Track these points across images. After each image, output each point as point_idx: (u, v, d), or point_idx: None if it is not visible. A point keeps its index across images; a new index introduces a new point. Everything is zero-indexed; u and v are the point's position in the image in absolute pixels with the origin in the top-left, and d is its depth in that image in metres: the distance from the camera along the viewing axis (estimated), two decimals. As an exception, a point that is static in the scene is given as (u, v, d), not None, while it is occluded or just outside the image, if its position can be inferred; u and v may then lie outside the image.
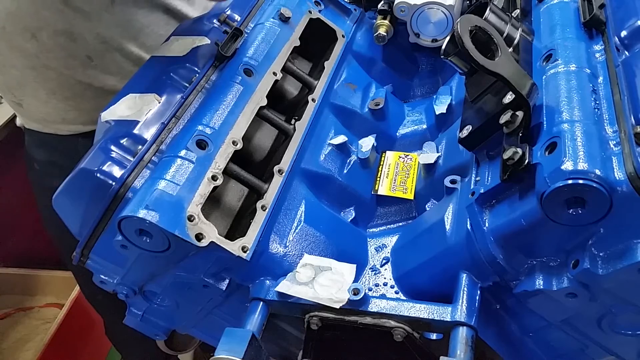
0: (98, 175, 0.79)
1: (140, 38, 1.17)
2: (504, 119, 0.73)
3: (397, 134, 1.10)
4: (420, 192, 0.97)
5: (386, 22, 1.15)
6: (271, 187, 0.85)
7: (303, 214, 0.88)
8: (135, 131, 0.84)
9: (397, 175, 1.00)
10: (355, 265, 0.78)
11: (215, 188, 0.78)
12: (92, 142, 0.87)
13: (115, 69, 1.18)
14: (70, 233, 0.86)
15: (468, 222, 0.76)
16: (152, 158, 0.81)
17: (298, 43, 1.05)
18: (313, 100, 1.00)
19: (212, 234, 0.74)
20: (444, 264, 0.80)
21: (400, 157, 1.03)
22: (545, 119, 0.71)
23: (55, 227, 1.32)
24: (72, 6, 1.07)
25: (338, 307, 0.73)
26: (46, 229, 1.40)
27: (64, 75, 1.15)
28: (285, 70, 1.01)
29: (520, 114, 0.72)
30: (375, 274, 0.90)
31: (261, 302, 0.78)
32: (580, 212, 0.63)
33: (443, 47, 0.81)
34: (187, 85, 0.93)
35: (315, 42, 1.14)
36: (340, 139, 0.99)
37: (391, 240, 0.95)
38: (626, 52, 0.77)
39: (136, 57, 1.18)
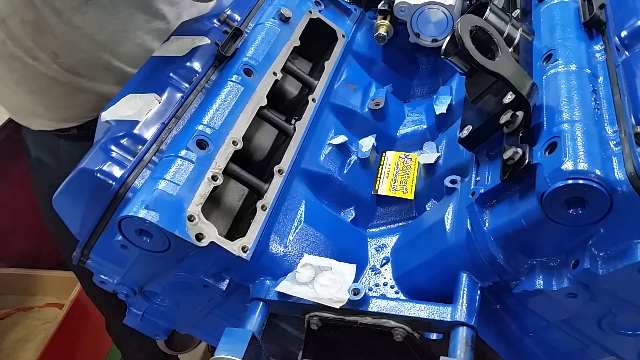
0: (98, 175, 0.79)
1: (113, 43, 1.15)
2: (504, 119, 0.73)
3: (397, 134, 1.10)
4: (420, 192, 0.97)
5: (386, 22, 1.15)
6: (271, 187, 0.85)
7: (303, 214, 0.88)
8: (136, 131, 0.84)
9: (397, 175, 1.00)
10: (355, 265, 0.78)
11: (215, 188, 0.78)
12: (73, 146, 0.86)
13: (83, 70, 1.16)
14: (69, 230, 0.86)
15: (468, 222, 0.76)
16: (152, 158, 0.81)
17: (298, 43, 1.05)
18: (313, 100, 1.00)
19: (212, 234, 0.74)
20: (444, 264, 0.80)
21: (400, 157, 1.03)
22: (545, 119, 0.71)
23: (53, 222, 1.33)
24: (41, 1, 1.05)
25: (338, 307, 0.73)
26: (44, 223, 1.40)
27: (29, 67, 1.13)
28: (285, 70, 1.01)
29: (520, 114, 0.72)
30: (375, 274, 0.90)
31: (261, 302, 0.78)
32: (580, 212, 0.63)
33: (443, 47, 0.81)
34: (187, 85, 0.93)
35: (316, 42, 1.14)
36: (340, 139, 0.99)
37: (391, 240, 0.95)
38: (626, 52, 0.77)
39: (105, 62, 1.15)
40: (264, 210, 0.82)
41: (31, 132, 1.28)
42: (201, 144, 0.80)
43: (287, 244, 0.84)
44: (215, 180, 0.78)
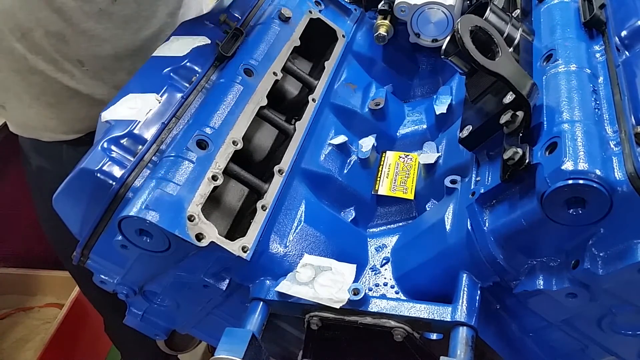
0: (98, 175, 0.79)
1: (138, 43, 1.15)
2: (504, 119, 0.73)
3: (397, 134, 1.10)
4: (420, 192, 0.97)
5: (386, 22, 1.15)
6: (271, 187, 0.85)
7: (303, 214, 0.88)
8: (136, 131, 0.84)
9: (397, 175, 1.00)
10: (355, 265, 0.78)
11: (215, 188, 0.78)
12: (76, 150, 0.86)
13: (107, 76, 1.16)
14: (67, 234, 0.86)
15: (468, 222, 0.76)
16: (153, 158, 0.81)
17: (298, 43, 1.05)
18: (313, 100, 1.00)
19: (212, 234, 0.74)
20: (444, 264, 0.80)
21: (400, 157, 1.03)
22: (545, 119, 0.71)
23: (52, 228, 1.33)
24: (70, 5, 1.05)
25: (338, 307, 0.73)
26: (43, 230, 1.40)
27: (50, 80, 1.13)
28: (285, 70, 1.01)
29: (520, 114, 0.72)
30: (375, 274, 0.90)
31: (261, 302, 0.78)
32: (580, 212, 0.63)
33: (443, 47, 0.81)
34: (187, 85, 0.93)
35: (316, 42, 1.14)
36: (341, 139, 0.99)
37: (391, 240, 0.95)
38: (626, 52, 0.77)
39: (129, 65, 1.15)
40: (264, 210, 0.82)
41: (30, 141, 1.27)
42: (201, 144, 0.80)
43: (287, 244, 0.84)
44: (216, 180, 0.78)
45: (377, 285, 0.88)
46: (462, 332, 0.70)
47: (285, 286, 0.76)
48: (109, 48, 1.13)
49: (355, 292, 0.73)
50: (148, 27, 1.17)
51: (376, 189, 1.00)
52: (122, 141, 0.83)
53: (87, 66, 1.13)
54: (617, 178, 0.61)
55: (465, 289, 0.75)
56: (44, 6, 1.04)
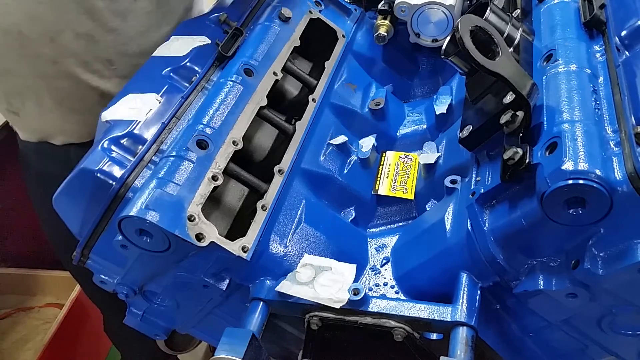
0: (98, 175, 0.79)
1: (159, 41, 1.16)
2: (504, 119, 0.73)
3: (398, 134, 1.10)
4: (420, 192, 0.97)
5: (386, 22, 1.15)
6: (271, 187, 0.85)
7: (303, 214, 0.88)
8: (136, 131, 0.84)
9: (397, 175, 1.00)
10: (355, 265, 0.78)
11: (215, 188, 0.78)
12: (83, 151, 0.86)
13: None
14: (68, 235, 0.86)
15: (468, 222, 0.76)
16: (153, 158, 0.81)
17: (298, 43, 1.05)
18: (313, 100, 1.00)
19: (212, 234, 0.74)
20: (444, 264, 0.80)
21: (400, 157, 1.03)
22: (545, 119, 0.71)
23: (53, 230, 1.33)
24: (99, 6, 1.06)
25: (338, 307, 0.73)
26: (43, 230, 1.40)
27: (78, 83, 1.13)
28: (285, 70, 1.01)
29: (520, 114, 0.72)
30: (375, 274, 0.90)
31: (261, 302, 0.78)
32: (580, 212, 0.63)
33: (443, 47, 0.81)
34: (188, 85, 0.93)
35: (316, 42, 1.14)
36: (341, 139, 0.99)
37: (391, 240, 0.95)
38: (626, 52, 0.77)
39: None
40: (264, 210, 0.82)
41: (34, 144, 1.27)
42: (201, 144, 0.80)
43: (287, 244, 0.84)
44: (216, 180, 0.78)
45: (377, 285, 0.88)
46: (462, 332, 0.70)
47: (286, 286, 0.76)
48: (134, 46, 1.14)
49: (355, 292, 0.73)
50: (167, 23, 1.18)
51: (376, 189, 1.00)
52: (122, 141, 0.83)
53: (116, 65, 1.14)
54: (617, 178, 0.61)
55: (465, 289, 0.75)
56: (74, 8, 1.05)
